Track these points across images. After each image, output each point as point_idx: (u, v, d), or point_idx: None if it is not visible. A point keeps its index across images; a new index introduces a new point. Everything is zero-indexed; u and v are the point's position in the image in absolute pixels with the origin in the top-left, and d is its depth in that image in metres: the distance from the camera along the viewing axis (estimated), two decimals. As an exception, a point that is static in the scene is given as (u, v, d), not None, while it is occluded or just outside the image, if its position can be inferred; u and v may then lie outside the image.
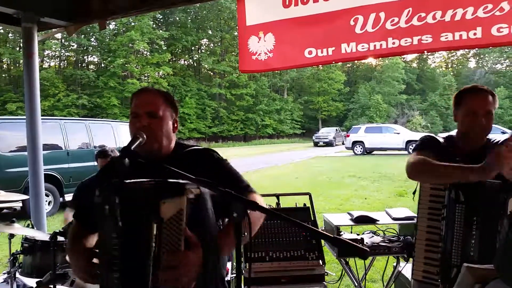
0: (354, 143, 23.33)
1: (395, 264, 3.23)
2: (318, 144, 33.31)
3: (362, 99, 47.26)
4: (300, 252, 2.61)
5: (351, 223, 3.12)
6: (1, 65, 37.34)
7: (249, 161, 20.75)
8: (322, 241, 2.77)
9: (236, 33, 46.25)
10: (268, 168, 17.24)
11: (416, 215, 2.17)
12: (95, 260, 1.35)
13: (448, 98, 43.41)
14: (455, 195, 1.92)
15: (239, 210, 1.06)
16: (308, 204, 3.08)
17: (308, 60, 3.69)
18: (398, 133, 22.33)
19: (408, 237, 2.92)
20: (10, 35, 33.85)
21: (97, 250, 1.32)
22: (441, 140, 2.15)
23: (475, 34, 2.93)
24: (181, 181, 1.20)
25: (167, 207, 1.15)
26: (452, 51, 43.16)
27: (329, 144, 32.73)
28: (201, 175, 1.23)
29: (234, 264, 4.01)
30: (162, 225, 1.15)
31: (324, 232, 1.03)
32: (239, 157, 22.53)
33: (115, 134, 10.45)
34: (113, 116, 32.29)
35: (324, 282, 2.66)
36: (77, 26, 5.03)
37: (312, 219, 2.88)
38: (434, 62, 61.02)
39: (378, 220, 3.14)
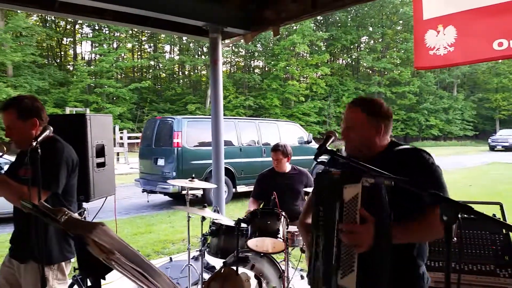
0: (546, 148, 19.57)
1: None
2: (495, 148, 29.03)
3: (557, 96, 39.14)
4: (489, 267, 2.34)
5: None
6: (183, 71, 43.39)
7: (411, 164, 19.39)
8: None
9: (398, 28, 43.92)
10: (434, 173, 15.80)
11: None
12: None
13: None
14: None
15: (449, 213, 1.02)
16: (493, 215, 2.74)
17: (497, 53, 3.29)
18: None
19: None
20: (191, 44, 39.05)
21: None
22: None
23: None
24: (359, 171, 1.49)
25: (348, 191, 1.48)
26: None
27: (509, 148, 28.19)
28: (405, 173, 1.44)
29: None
30: (343, 205, 1.49)
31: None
32: (400, 159, 21.20)
33: (280, 133, 11.09)
34: (275, 116, 34.23)
35: (518, 304, 2.34)
36: (253, 33, 5.50)
37: (505, 231, 2.55)
38: None
39: None
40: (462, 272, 2.38)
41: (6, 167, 4.81)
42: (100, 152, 3.36)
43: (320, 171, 1.68)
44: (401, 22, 43.38)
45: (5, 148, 2.38)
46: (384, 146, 1.84)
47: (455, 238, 1.04)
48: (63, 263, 2.44)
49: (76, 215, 1.27)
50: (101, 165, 3.36)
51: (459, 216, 1.02)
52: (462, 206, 1.03)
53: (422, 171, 1.66)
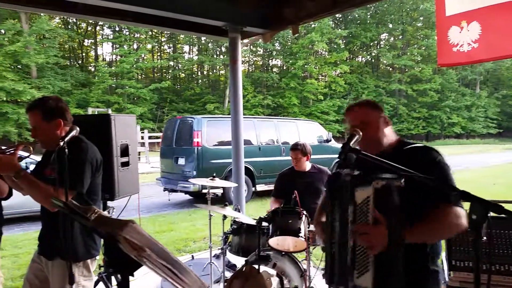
0: None
1: None
2: (521, 146, 28.33)
3: None
4: (516, 268, 2.29)
5: None
6: (202, 71, 43.67)
7: (433, 162, 19.01)
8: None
9: (419, 25, 43.13)
10: (457, 172, 15.45)
11: None
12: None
13: None
14: None
15: (478, 212, 1.00)
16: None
17: (523, 49, 3.21)
18: None
19: None
20: (209, 44, 39.28)
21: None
22: None
23: None
24: (372, 173, 1.53)
25: (359, 194, 1.53)
26: None
27: (536, 146, 27.44)
28: (415, 171, 1.43)
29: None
30: (356, 207, 1.54)
31: None
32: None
33: (299, 131, 11.05)
34: (293, 114, 34.13)
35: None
36: (273, 33, 5.49)
37: (533, 231, 2.49)
38: None
39: None
40: (489, 272, 2.33)
41: (32, 167, 4.94)
42: (124, 151, 3.42)
43: (330, 174, 1.73)
44: (421, 18, 42.60)
45: (31, 149, 2.43)
46: (394, 144, 1.91)
47: (484, 237, 1.02)
48: (89, 260, 2.49)
49: (105, 213, 1.30)
50: (125, 164, 3.43)
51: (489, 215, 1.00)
52: (492, 205, 1.01)
53: (432, 168, 1.69)
